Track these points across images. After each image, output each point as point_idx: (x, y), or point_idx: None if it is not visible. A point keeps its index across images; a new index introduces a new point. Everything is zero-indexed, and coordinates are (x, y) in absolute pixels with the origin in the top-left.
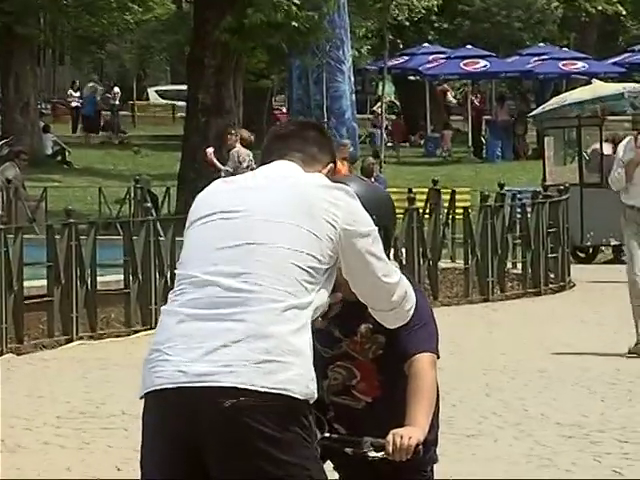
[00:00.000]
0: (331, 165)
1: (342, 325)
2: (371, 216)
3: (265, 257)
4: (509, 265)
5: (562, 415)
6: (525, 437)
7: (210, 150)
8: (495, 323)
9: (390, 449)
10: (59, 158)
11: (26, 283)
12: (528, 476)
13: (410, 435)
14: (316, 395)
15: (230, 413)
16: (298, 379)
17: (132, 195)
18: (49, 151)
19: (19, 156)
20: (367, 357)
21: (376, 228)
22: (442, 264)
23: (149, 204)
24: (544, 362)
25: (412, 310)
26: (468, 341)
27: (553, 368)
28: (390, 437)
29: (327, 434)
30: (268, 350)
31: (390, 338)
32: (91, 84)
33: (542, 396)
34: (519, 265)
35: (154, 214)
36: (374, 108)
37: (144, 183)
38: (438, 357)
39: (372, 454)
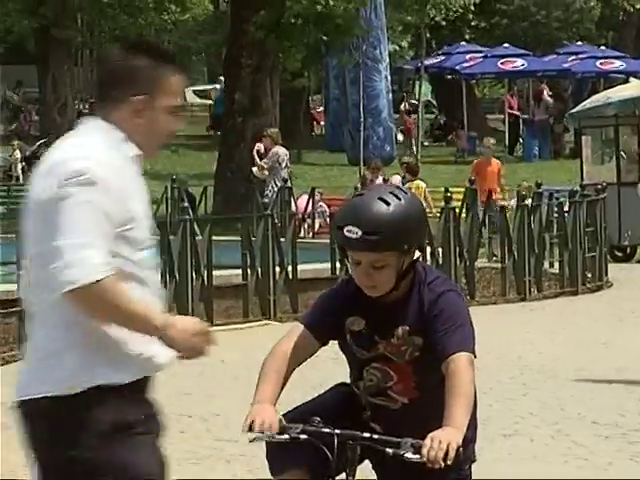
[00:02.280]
0: (138, 98)
1: (379, 328)
2: (411, 236)
3: (32, 265)
4: (546, 264)
5: (599, 415)
6: (562, 437)
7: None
8: (532, 322)
9: (425, 452)
10: None
11: None
12: (564, 476)
13: (449, 440)
14: (88, 385)
15: (22, 421)
16: (60, 378)
17: (169, 195)
18: None
19: None
20: (403, 359)
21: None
22: (479, 263)
23: (186, 204)
24: (581, 362)
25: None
26: (505, 341)
27: (590, 368)
28: (428, 441)
29: (367, 434)
30: (37, 358)
31: (427, 339)
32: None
33: (579, 396)
34: (556, 264)
35: (191, 214)
36: (401, 107)
37: (181, 183)
38: (475, 357)
39: (409, 456)
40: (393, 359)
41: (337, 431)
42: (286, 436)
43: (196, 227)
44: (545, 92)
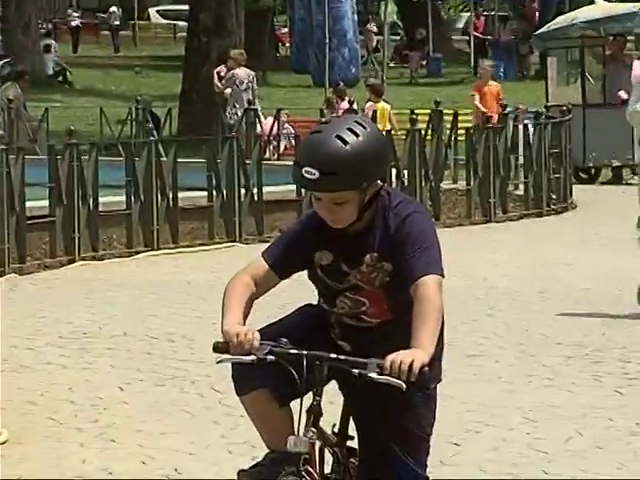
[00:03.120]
0: None
1: (347, 258)
2: (370, 173)
3: None
4: (511, 186)
5: (563, 335)
6: (526, 357)
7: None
8: (497, 244)
9: (388, 365)
10: (60, 78)
11: (28, 204)
12: (529, 395)
13: (413, 357)
14: None
15: None
16: None
17: (133, 116)
18: (50, 71)
19: (22, 76)
20: (374, 286)
21: None
22: (444, 185)
23: (151, 125)
24: (546, 283)
25: None
26: (470, 262)
27: (554, 289)
28: (392, 355)
29: (334, 355)
30: None
31: (396, 264)
32: None
33: (543, 317)
34: (521, 186)
35: (156, 135)
36: (368, 26)
37: (145, 104)
38: (443, 277)
39: (373, 375)
40: (364, 287)
41: (305, 352)
42: (253, 357)
43: (161, 149)
44: (537, 13)
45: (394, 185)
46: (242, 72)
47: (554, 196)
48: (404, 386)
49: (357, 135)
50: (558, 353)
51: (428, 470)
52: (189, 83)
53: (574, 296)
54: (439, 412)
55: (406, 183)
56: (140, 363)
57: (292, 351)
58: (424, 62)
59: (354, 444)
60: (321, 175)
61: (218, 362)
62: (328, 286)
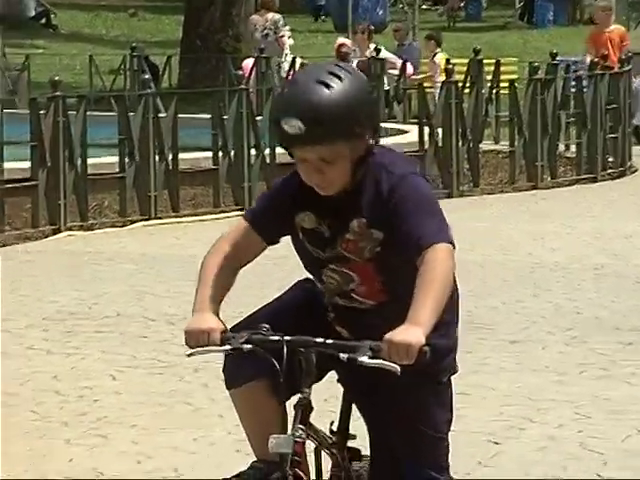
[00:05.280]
0: None
1: (331, 223)
2: (361, 117)
3: None
4: (561, 147)
5: (621, 319)
6: (578, 344)
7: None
8: (545, 214)
9: (385, 354)
10: (43, 21)
11: (7, 165)
12: (581, 387)
13: (405, 337)
14: None
15: None
16: None
17: (128, 65)
18: (31, 13)
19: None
20: (363, 257)
21: None
22: (484, 146)
23: (147, 75)
24: (601, 258)
25: None
26: (513, 234)
27: (611, 265)
28: (384, 342)
29: (321, 339)
30: None
31: (389, 233)
32: None
33: (598, 297)
34: (573, 147)
35: (153, 87)
36: None
37: (141, 51)
38: (454, 248)
39: (365, 360)
40: (351, 258)
41: (286, 338)
42: (228, 347)
43: (159, 102)
44: None
45: (427, 146)
46: (257, 18)
47: (611, 158)
48: (399, 369)
49: (340, 78)
50: (615, 339)
51: (465, 472)
52: (192, 27)
53: (633, 273)
54: (478, 406)
55: (440, 143)
56: (135, 348)
57: (272, 337)
58: (462, 3)
59: (360, 445)
60: (307, 126)
61: (188, 355)
62: (311, 255)
